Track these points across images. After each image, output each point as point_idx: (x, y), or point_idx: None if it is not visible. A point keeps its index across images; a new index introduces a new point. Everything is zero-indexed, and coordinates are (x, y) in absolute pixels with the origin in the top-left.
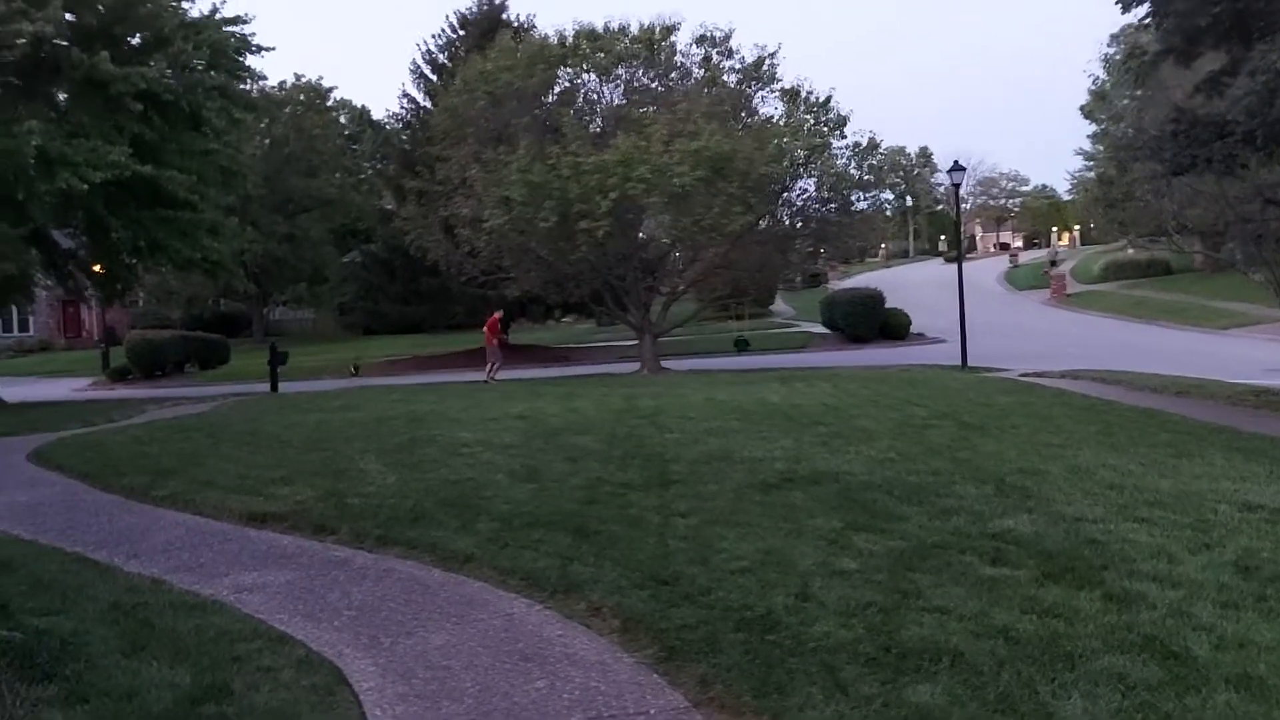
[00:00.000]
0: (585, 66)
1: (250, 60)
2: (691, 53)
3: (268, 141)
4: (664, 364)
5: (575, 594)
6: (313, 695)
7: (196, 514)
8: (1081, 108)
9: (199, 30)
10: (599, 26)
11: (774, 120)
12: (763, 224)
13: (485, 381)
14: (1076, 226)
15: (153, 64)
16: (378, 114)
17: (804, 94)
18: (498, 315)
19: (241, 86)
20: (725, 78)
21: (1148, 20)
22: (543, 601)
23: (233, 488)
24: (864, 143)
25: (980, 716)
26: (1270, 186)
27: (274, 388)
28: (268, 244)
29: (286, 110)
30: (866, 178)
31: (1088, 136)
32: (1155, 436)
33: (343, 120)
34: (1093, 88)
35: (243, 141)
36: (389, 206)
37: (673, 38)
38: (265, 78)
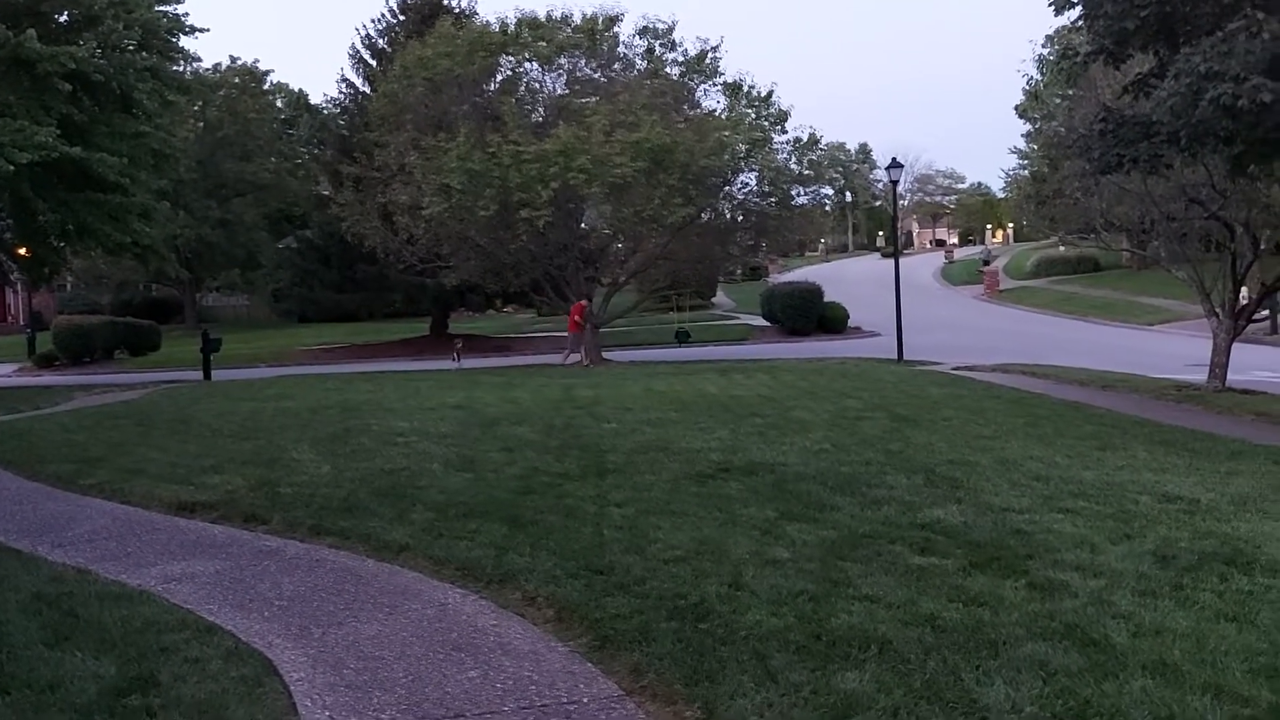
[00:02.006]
0: (527, 55)
1: (183, 41)
2: (634, 44)
3: (201, 124)
4: (605, 355)
5: (510, 584)
6: (241, 686)
7: (124, 503)
8: (1016, 107)
9: (130, 9)
10: (541, 15)
11: (715, 114)
12: (704, 216)
13: (564, 364)
14: (1010, 224)
15: (82, 43)
16: (315, 98)
17: (746, 88)
18: (584, 303)
19: (174, 68)
20: (667, 70)
21: (1080, 22)
22: (477, 591)
23: (162, 476)
24: (804, 138)
25: (906, 704)
26: (1193, 186)
27: (207, 375)
28: (200, 229)
29: (221, 93)
30: (806, 173)
31: (1022, 135)
32: (1081, 429)
33: (279, 104)
34: (1027, 87)
35: (175, 124)
36: (325, 192)
37: (615, 28)
38: (199, 59)
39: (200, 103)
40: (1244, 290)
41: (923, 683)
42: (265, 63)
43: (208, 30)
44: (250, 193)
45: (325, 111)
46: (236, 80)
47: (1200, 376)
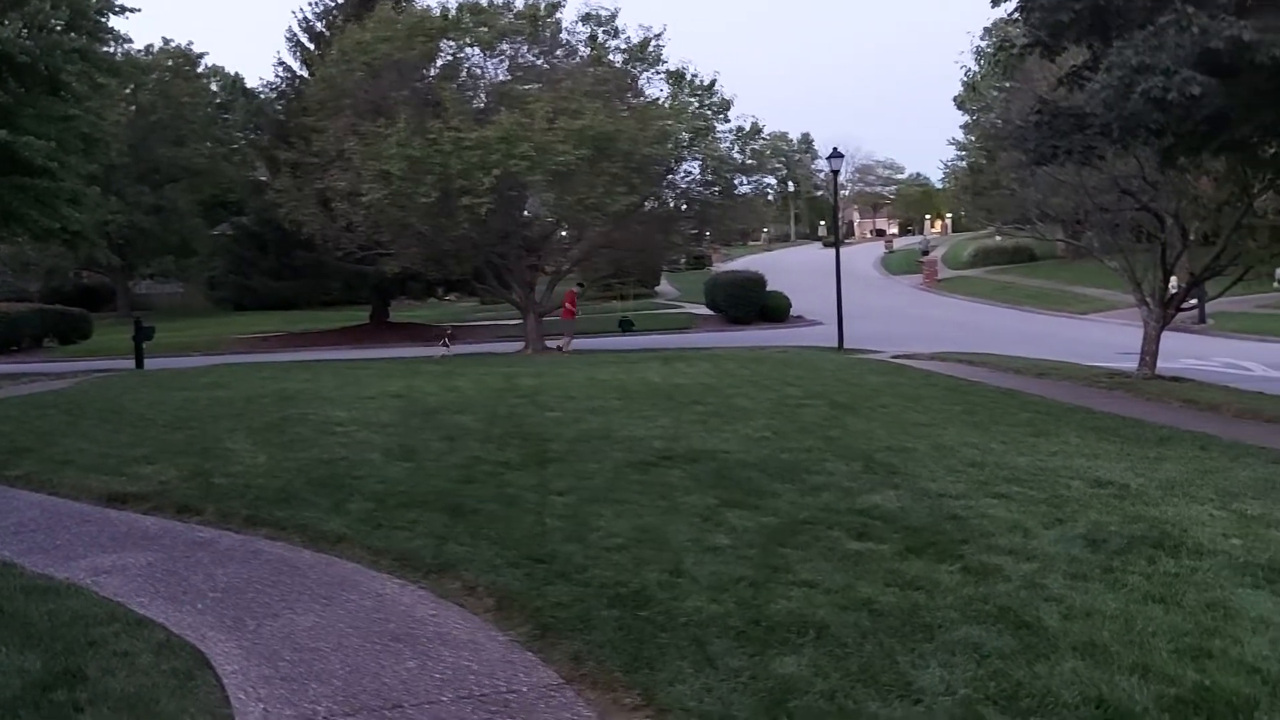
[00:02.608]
0: (468, 40)
1: (114, 22)
2: (577, 31)
3: (133, 108)
4: (548, 343)
5: (449, 573)
6: (173, 679)
7: (53, 494)
8: (955, 98)
9: None
10: (483, 0)
11: (658, 102)
12: (647, 205)
13: (559, 349)
14: (948, 214)
15: (6, 23)
16: (252, 82)
17: (689, 76)
18: (574, 290)
19: (104, 49)
20: (610, 57)
21: (1016, 14)
22: (416, 581)
23: (92, 467)
24: (747, 127)
25: (843, 687)
26: (1125, 178)
27: (139, 364)
28: (132, 215)
29: (153, 76)
30: (749, 162)
31: (960, 126)
32: (1015, 416)
33: (214, 88)
34: (965, 79)
35: (106, 108)
36: (262, 178)
37: (558, 15)
38: (130, 41)
39: (131, 85)
40: (1173, 280)
41: (859, 666)
42: (199, 45)
43: (139, 10)
44: (184, 178)
45: (262, 96)
46: (169, 63)
47: (1131, 364)
